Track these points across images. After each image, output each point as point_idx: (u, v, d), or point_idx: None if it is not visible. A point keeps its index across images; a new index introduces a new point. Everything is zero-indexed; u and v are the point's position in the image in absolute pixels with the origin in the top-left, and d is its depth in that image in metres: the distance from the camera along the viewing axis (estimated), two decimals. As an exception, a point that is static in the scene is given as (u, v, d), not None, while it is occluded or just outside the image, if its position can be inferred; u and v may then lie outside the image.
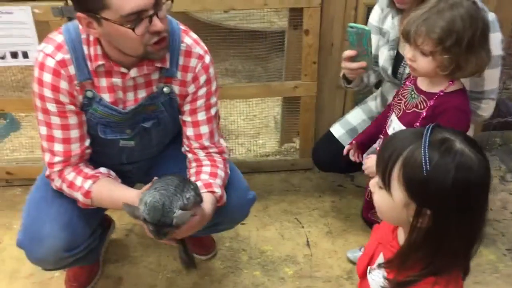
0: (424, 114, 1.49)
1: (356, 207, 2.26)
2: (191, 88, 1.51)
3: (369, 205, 1.85)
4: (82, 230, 1.58)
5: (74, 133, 1.48)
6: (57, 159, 1.49)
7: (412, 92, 1.55)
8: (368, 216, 1.89)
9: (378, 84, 2.06)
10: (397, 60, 1.82)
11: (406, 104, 1.56)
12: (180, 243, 1.48)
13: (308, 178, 2.45)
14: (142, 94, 1.49)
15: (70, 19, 1.95)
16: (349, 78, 1.80)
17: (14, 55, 2.00)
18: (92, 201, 1.51)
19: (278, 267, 2.00)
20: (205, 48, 1.53)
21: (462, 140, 0.95)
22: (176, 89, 1.51)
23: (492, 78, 1.65)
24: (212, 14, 2.62)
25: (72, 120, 1.46)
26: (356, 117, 2.06)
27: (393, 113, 1.62)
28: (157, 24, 1.30)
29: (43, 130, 1.48)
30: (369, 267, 1.16)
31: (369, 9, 2.16)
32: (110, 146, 1.58)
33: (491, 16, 1.56)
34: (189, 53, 1.48)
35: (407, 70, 1.77)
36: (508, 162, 2.52)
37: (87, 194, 1.50)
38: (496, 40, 1.59)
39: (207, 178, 1.52)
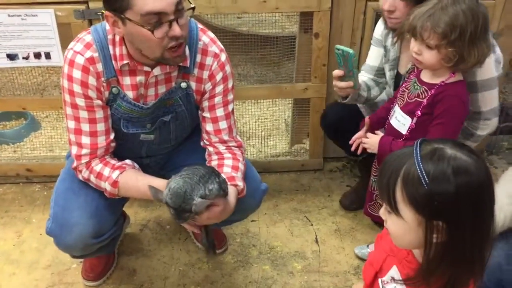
0: (425, 102, 1.57)
1: (363, 206, 2.31)
2: (208, 86, 1.59)
3: (369, 197, 1.89)
4: (108, 218, 1.66)
5: (101, 127, 1.56)
6: (84, 151, 1.58)
7: (415, 84, 1.62)
8: (368, 211, 1.93)
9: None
10: (398, 78, 1.90)
11: (409, 94, 1.64)
12: (203, 229, 1.56)
13: (317, 178, 2.51)
14: (162, 89, 1.57)
15: (90, 21, 2.05)
16: (340, 95, 1.86)
17: (37, 56, 2.10)
18: (119, 191, 1.59)
19: (287, 262, 2.05)
20: (221, 46, 1.60)
21: (451, 146, 0.97)
22: (193, 85, 1.59)
23: (489, 99, 1.70)
24: (226, 20, 2.70)
25: (99, 114, 1.54)
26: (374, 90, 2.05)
27: (396, 104, 1.69)
28: (176, 30, 1.37)
29: (71, 124, 1.56)
30: (380, 279, 1.16)
31: (378, 14, 2.24)
32: (131, 139, 1.66)
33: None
34: (206, 51, 1.56)
35: None
36: (516, 165, 2.55)
37: (114, 183, 1.57)
38: (490, 63, 1.63)
39: (230, 171, 1.59)
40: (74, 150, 1.59)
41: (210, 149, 1.67)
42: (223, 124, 1.64)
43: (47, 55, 2.11)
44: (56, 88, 3.01)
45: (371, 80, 1.96)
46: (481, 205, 0.96)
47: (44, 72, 2.98)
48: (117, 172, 1.57)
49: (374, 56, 1.96)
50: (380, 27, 1.93)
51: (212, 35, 1.61)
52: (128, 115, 1.57)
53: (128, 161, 1.64)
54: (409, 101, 1.63)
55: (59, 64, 2.16)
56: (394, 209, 0.99)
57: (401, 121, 1.64)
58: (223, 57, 1.59)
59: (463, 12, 1.43)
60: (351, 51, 1.67)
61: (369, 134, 1.72)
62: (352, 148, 1.82)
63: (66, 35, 2.13)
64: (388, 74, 1.93)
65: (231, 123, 1.66)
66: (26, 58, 2.10)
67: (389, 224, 1.03)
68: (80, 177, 1.62)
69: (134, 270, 2.02)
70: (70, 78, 1.48)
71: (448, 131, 1.54)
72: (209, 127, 1.65)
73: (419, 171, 0.94)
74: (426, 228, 0.96)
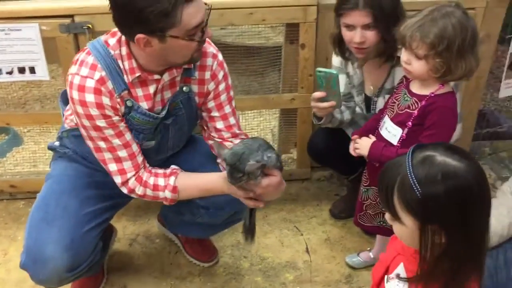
0: (416, 113, 1.59)
1: (353, 215, 2.33)
2: (211, 86, 1.62)
3: (359, 208, 1.91)
4: (84, 249, 1.62)
5: (135, 147, 1.57)
6: (129, 175, 1.58)
7: (405, 95, 1.65)
8: (358, 221, 1.94)
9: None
10: (367, 100, 1.97)
11: (399, 106, 1.66)
12: (248, 212, 1.60)
13: (305, 188, 2.52)
14: (167, 95, 1.58)
15: (76, 35, 2.03)
16: (319, 116, 1.90)
17: (22, 70, 2.07)
18: (179, 195, 1.61)
19: (278, 273, 2.05)
20: (216, 47, 1.64)
21: (442, 151, 1.01)
22: (195, 88, 1.61)
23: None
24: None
25: (128, 136, 1.54)
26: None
27: (386, 115, 1.71)
28: (209, 32, 1.44)
29: (107, 155, 1.54)
30: (386, 276, 1.20)
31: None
32: None
33: None
34: (205, 53, 1.58)
35: (378, 105, 1.90)
36: (498, 170, 2.61)
37: (174, 189, 1.60)
38: None
39: None
40: (118, 179, 1.58)
41: (226, 144, 1.68)
42: (232, 120, 1.69)
43: (32, 70, 2.07)
44: (38, 102, 2.97)
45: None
46: (472, 208, 0.99)
47: (25, 86, 2.94)
48: (172, 178, 1.60)
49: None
50: (337, 58, 1.98)
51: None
52: (140, 126, 1.56)
53: (173, 166, 1.65)
54: (399, 112, 1.65)
55: (44, 79, 2.14)
56: (395, 216, 1.05)
57: (391, 132, 1.66)
58: (220, 56, 1.63)
59: (452, 25, 1.46)
60: (334, 71, 1.73)
61: (363, 138, 1.73)
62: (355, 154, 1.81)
63: (51, 49, 2.11)
64: (357, 99, 1.99)
65: (237, 118, 1.73)
66: (10, 73, 2.07)
67: (395, 229, 1.10)
68: (135, 195, 1.62)
69: (124, 286, 1.99)
70: (84, 103, 1.45)
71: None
72: (219, 125, 1.68)
73: (410, 179, 0.99)
74: (421, 231, 1.01)
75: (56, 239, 1.56)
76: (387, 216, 1.09)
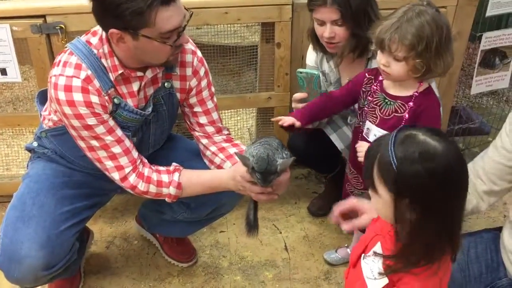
0: (407, 116, 1.59)
1: (331, 212, 2.35)
2: (193, 82, 1.63)
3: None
4: (60, 248, 1.60)
5: (128, 142, 1.56)
6: (127, 170, 1.56)
7: (386, 99, 1.64)
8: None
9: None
10: None
11: (382, 111, 1.64)
12: (253, 205, 1.60)
13: (283, 186, 2.53)
14: (150, 91, 1.58)
15: (48, 36, 2.00)
16: None
17: (-8, 72, 2.03)
18: (183, 191, 1.62)
19: (258, 271, 2.06)
20: (195, 44, 1.65)
21: (425, 132, 1.05)
22: (177, 83, 1.62)
23: None
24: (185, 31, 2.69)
25: (119, 131, 1.53)
26: None
27: (368, 121, 1.69)
28: (185, 38, 1.44)
29: (102, 153, 1.53)
30: (363, 254, 1.24)
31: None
32: None
33: None
34: (184, 49, 1.59)
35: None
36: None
37: (179, 185, 1.60)
38: None
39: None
40: (117, 175, 1.57)
41: (205, 141, 1.71)
42: (215, 115, 1.71)
43: (3, 71, 2.04)
44: (10, 104, 2.91)
45: None
46: (448, 188, 1.02)
47: (-5, 88, 2.89)
48: (176, 174, 1.60)
49: None
50: (312, 54, 2.00)
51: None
52: (126, 123, 1.56)
53: (175, 163, 1.65)
54: (385, 117, 1.63)
55: (15, 80, 2.10)
56: (373, 188, 1.09)
57: None
58: (199, 53, 1.65)
59: (428, 23, 1.46)
60: (316, 72, 1.76)
61: (361, 142, 1.71)
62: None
63: (22, 50, 2.07)
64: None
65: (219, 114, 1.74)
66: (-19, 74, 2.03)
67: (372, 201, 1.13)
68: (137, 192, 1.60)
69: (102, 289, 1.97)
70: (72, 103, 1.44)
71: None
72: (202, 119, 1.69)
73: (390, 152, 1.03)
74: (395, 205, 1.05)
75: (32, 237, 1.55)
76: (370, 189, 1.12)
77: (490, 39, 2.45)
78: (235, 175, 1.50)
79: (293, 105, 1.86)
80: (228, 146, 1.69)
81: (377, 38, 1.51)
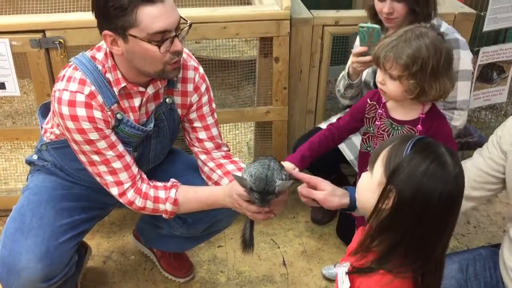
0: None
1: (329, 226, 2.34)
2: (194, 98, 1.64)
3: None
4: (59, 260, 1.60)
5: (128, 157, 1.56)
6: (126, 185, 1.56)
7: (393, 125, 1.62)
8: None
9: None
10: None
11: (390, 136, 1.62)
12: (249, 224, 1.58)
13: (282, 200, 2.52)
14: (151, 107, 1.59)
15: (47, 50, 2.01)
16: (355, 73, 1.99)
17: (-9, 86, 2.04)
18: (179, 208, 1.61)
19: (256, 286, 2.04)
20: (197, 60, 1.66)
21: (446, 150, 1.04)
22: (178, 99, 1.62)
23: (463, 89, 1.87)
24: (185, 46, 2.70)
25: (121, 147, 1.53)
26: None
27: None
28: (178, 45, 1.42)
29: (102, 168, 1.53)
30: (338, 263, 1.21)
31: (335, 37, 2.32)
32: None
33: (462, 40, 1.93)
34: (186, 66, 1.60)
35: None
36: (470, 179, 2.66)
37: (175, 202, 1.59)
38: (467, 57, 1.92)
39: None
40: (115, 191, 1.57)
41: (204, 156, 1.70)
42: (214, 131, 1.71)
43: (2, 85, 2.04)
44: (9, 118, 2.92)
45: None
46: (435, 208, 1.01)
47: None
48: (173, 190, 1.60)
49: None
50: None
51: (187, 50, 1.65)
52: (128, 139, 1.56)
53: (173, 179, 1.65)
54: None
55: (14, 94, 2.11)
56: (371, 165, 1.09)
57: None
58: (201, 69, 1.66)
59: (426, 46, 1.45)
60: (377, 26, 1.84)
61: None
62: None
63: (21, 65, 2.08)
64: (370, 69, 2.03)
65: (219, 129, 1.75)
66: (-21, 88, 2.03)
67: (361, 179, 1.14)
68: (135, 207, 1.60)
69: (99, 305, 1.96)
70: (75, 118, 1.44)
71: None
72: (202, 135, 1.69)
73: (408, 143, 1.03)
74: (383, 189, 1.04)
75: (31, 249, 1.55)
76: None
77: (488, 54, 2.46)
78: (231, 193, 1.49)
79: (353, 59, 1.91)
80: (226, 163, 1.68)
81: (374, 55, 1.52)
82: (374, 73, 2.02)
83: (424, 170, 1.00)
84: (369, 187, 1.09)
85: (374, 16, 1.96)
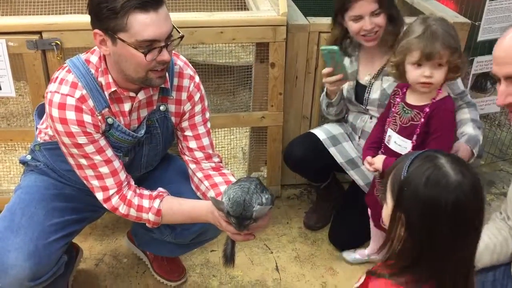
0: (423, 120, 1.66)
1: (322, 232, 2.34)
2: (187, 106, 1.64)
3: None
4: (47, 259, 1.59)
5: (117, 163, 1.56)
6: (111, 191, 1.57)
7: (404, 108, 1.71)
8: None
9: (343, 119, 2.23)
10: (360, 87, 2.04)
11: (401, 119, 1.72)
12: (230, 241, 1.57)
13: (275, 206, 2.51)
14: (144, 113, 1.59)
15: (44, 52, 2.01)
16: (331, 92, 2.03)
17: (-13, 86, 2.03)
18: (162, 218, 1.60)
19: (248, 291, 2.04)
20: (194, 69, 1.66)
21: (448, 159, 1.02)
22: (172, 107, 1.62)
23: (459, 81, 1.93)
24: (181, 50, 2.72)
25: (110, 152, 1.53)
26: (335, 128, 2.19)
27: (389, 129, 1.76)
28: (165, 55, 1.42)
29: (89, 172, 1.54)
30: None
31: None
32: None
33: None
34: (182, 74, 1.61)
35: (372, 96, 1.98)
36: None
37: (158, 212, 1.59)
38: None
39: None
40: (100, 196, 1.57)
41: (194, 166, 1.69)
42: (205, 141, 1.69)
43: (-3, 86, 2.04)
44: (4, 120, 2.91)
45: None
46: (447, 223, 0.98)
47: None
48: (157, 200, 1.59)
49: None
50: None
51: (184, 58, 1.65)
52: (118, 144, 1.56)
53: (161, 189, 1.64)
54: (404, 125, 1.71)
55: (9, 95, 2.11)
56: (383, 195, 1.12)
57: (402, 145, 1.71)
58: (197, 78, 1.66)
59: (448, 25, 1.59)
60: (335, 47, 1.85)
61: (377, 156, 1.76)
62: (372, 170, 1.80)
63: (18, 66, 2.08)
64: (348, 85, 2.05)
65: (211, 140, 1.73)
66: (-25, 89, 2.03)
67: (383, 211, 1.14)
68: (119, 213, 1.60)
69: (90, 307, 1.95)
70: (64, 121, 1.45)
71: (444, 142, 1.65)
72: (192, 144, 1.68)
73: (405, 164, 1.04)
74: (392, 214, 1.05)
75: (20, 247, 1.54)
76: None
77: (482, 63, 2.49)
78: (213, 210, 1.48)
79: (324, 80, 1.95)
80: (215, 175, 1.67)
81: (422, 53, 1.56)
82: (354, 89, 2.06)
83: (423, 184, 0.99)
84: (387, 214, 1.09)
85: (340, 44, 1.97)
